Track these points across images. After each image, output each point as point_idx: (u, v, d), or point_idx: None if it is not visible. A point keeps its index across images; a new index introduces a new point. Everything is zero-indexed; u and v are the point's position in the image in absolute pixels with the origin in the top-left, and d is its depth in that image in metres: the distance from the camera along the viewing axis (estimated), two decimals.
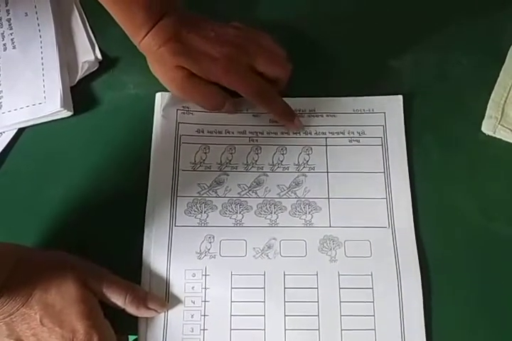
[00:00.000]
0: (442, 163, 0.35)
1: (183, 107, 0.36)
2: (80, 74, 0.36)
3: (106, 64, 0.36)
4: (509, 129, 0.35)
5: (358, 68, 0.38)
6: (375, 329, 0.31)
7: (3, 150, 0.34)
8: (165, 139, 0.35)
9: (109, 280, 0.29)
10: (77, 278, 0.28)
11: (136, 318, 0.30)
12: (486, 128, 0.36)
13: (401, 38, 0.39)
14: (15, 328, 0.27)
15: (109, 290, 0.29)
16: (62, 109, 0.34)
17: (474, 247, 0.33)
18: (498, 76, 0.37)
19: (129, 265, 0.31)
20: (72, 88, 0.35)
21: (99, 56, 0.36)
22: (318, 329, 0.31)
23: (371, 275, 0.32)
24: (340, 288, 0.31)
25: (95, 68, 0.36)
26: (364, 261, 0.32)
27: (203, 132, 0.35)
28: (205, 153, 0.35)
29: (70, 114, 0.35)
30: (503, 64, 0.37)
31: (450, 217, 0.33)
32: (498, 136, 0.35)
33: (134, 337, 0.31)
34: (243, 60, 0.34)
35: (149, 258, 0.32)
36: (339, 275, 0.32)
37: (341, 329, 0.31)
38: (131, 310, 0.29)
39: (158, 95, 0.36)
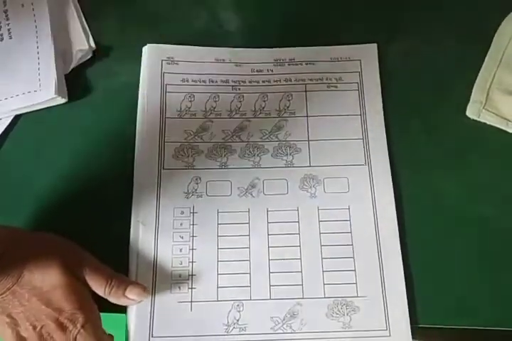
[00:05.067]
0: (426, 145, 0.36)
1: (168, 57, 0.37)
2: (74, 63, 0.37)
3: (99, 53, 0.38)
4: (493, 113, 0.36)
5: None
6: (353, 257, 0.33)
7: (0, 135, 0.35)
8: (151, 89, 0.36)
9: (91, 267, 0.30)
10: (61, 264, 0.29)
11: None
12: (471, 112, 0.37)
13: (389, 22, 0.39)
14: (6, 305, 0.28)
15: (91, 279, 0.30)
16: (56, 96, 0.35)
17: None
18: (483, 61, 0.38)
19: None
20: (66, 76, 0.37)
21: (93, 45, 0.38)
22: (300, 259, 0.33)
23: (348, 208, 0.34)
24: (319, 221, 0.34)
25: (89, 57, 0.37)
26: (342, 196, 0.34)
27: (187, 81, 0.37)
28: (190, 101, 0.37)
29: (64, 101, 0.36)
30: (488, 50, 0.38)
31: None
32: (483, 120, 0.36)
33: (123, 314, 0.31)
34: None
35: (139, 199, 0.34)
36: (318, 209, 0.34)
37: (322, 258, 0.33)
38: (112, 300, 0.30)
39: (144, 48, 0.37)
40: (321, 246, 0.33)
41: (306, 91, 0.37)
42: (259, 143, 0.36)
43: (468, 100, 0.37)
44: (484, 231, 0.34)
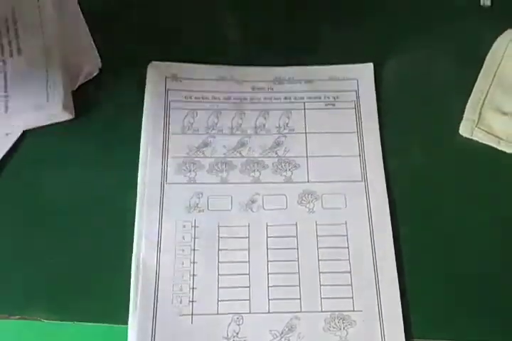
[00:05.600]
0: (421, 162, 0.37)
1: (171, 74, 0.38)
2: (81, 80, 0.38)
3: (105, 69, 0.39)
4: (485, 131, 0.37)
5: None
6: (350, 272, 0.34)
7: (9, 150, 0.36)
8: (155, 105, 0.37)
9: None
10: None
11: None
12: (464, 130, 0.38)
13: (386, 42, 0.41)
14: None
15: None
16: (63, 112, 0.36)
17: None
18: (476, 80, 0.39)
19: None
20: (73, 93, 0.37)
21: (99, 63, 0.39)
22: (298, 273, 0.34)
23: (345, 223, 0.35)
24: (317, 236, 0.34)
25: (95, 74, 0.38)
26: (339, 212, 0.35)
27: (190, 98, 0.38)
28: (193, 117, 0.38)
29: (71, 117, 0.37)
30: (480, 69, 0.39)
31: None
32: (475, 138, 0.37)
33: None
34: None
35: (142, 213, 0.34)
36: (316, 224, 0.35)
37: (319, 273, 0.34)
38: None
39: (149, 65, 0.39)
40: (319, 260, 0.34)
41: (304, 109, 0.38)
42: (259, 158, 0.37)
43: (462, 118, 0.38)
44: (482, 249, 0.34)
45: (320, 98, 0.39)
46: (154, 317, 0.32)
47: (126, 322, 0.32)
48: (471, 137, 0.38)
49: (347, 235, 0.34)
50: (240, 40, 0.41)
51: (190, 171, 0.36)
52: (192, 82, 0.38)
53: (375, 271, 0.34)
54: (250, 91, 0.39)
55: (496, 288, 0.33)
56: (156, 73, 0.38)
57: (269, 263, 0.34)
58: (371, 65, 0.39)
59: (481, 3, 0.42)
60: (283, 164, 0.37)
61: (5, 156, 0.36)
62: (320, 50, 0.40)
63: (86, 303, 0.32)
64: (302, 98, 0.39)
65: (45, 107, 0.36)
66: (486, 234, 0.35)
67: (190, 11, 0.42)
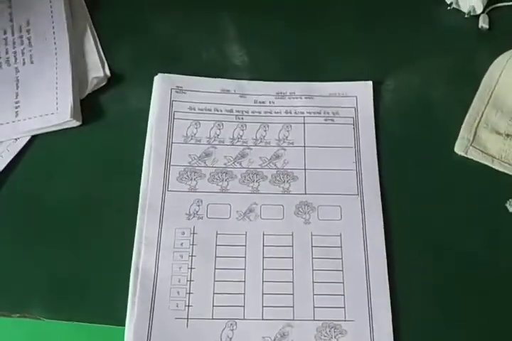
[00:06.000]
0: (416, 178, 0.38)
1: (177, 87, 0.40)
2: (90, 89, 0.39)
3: (113, 80, 0.40)
4: (480, 150, 0.38)
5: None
6: (343, 283, 0.34)
7: (17, 154, 0.37)
8: (160, 115, 0.39)
9: None
10: None
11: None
12: (459, 148, 0.39)
13: (384, 60, 0.42)
14: None
15: None
16: (71, 119, 0.38)
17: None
18: (472, 100, 0.40)
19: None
20: (81, 101, 0.39)
21: (108, 73, 0.40)
22: (292, 282, 0.34)
23: (340, 235, 0.36)
24: (312, 247, 0.35)
25: (103, 83, 0.40)
26: (334, 224, 0.36)
27: (194, 109, 0.39)
28: (196, 128, 0.39)
29: (78, 124, 0.38)
30: (477, 90, 0.41)
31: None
32: (470, 157, 0.38)
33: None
34: None
35: (143, 218, 0.35)
36: (312, 235, 0.36)
37: (313, 282, 0.34)
38: None
39: (156, 77, 0.40)
40: (313, 270, 0.35)
41: (304, 123, 0.40)
42: (259, 169, 0.38)
43: (457, 136, 0.39)
44: (472, 264, 0.35)
45: (319, 113, 0.40)
46: (151, 319, 0.33)
47: (123, 324, 0.32)
48: (465, 155, 0.39)
49: (341, 247, 0.35)
50: (243, 56, 0.42)
51: (191, 179, 0.37)
52: (196, 94, 0.40)
53: (368, 282, 0.34)
54: (252, 104, 0.40)
55: (490, 301, 0.34)
56: (162, 85, 0.40)
57: (265, 271, 0.35)
58: (370, 83, 0.41)
59: (480, 25, 0.44)
60: (281, 176, 0.38)
61: (14, 160, 0.37)
62: (321, 68, 0.42)
63: (85, 304, 0.33)
64: (302, 112, 0.40)
65: (54, 114, 0.38)
66: (479, 248, 0.36)
67: (195, 27, 0.43)
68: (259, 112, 0.40)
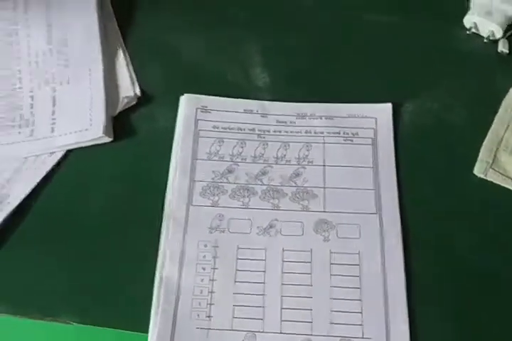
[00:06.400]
0: (435, 198, 0.39)
1: (202, 106, 0.42)
2: (121, 107, 0.41)
3: (143, 99, 0.42)
4: (499, 173, 0.39)
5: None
6: (361, 300, 0.35)
7: (53, 168, 0.39)
8: (185, 133, 0.41)
9: None
10: None
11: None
12: (478, 171, 0.39)
13: (404, 83, 0.44)
14: None
15: None
16: (103, 135, 0.40)
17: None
18: (491, 122, 0.41)
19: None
20: (113, 118, 0.41)
21: (138, 92, 0.42)
22: (311, 298, 0.35)
23: (359, 253, 0.36)
24: (330, 264, 0.36)
25: (134, 102, 0.42)
26: (353, 242, 0.37)
27: (218, 128, 0.41)
28: (220, 145, 0.41)
29: (110, 140, 0.40)
30: (496, 113, 0.42)
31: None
32: (489, 179, 0.39)
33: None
34: None
35: (167, 231, 0.37)
36: (331, 252, 0.37)
37: (331, 298, 0.35)
38: None
39: (182, 97, 0.42)
40: (331, 287, 0.35)
41: (324, 143, 0.41)
42: (279, 187, 0.39)
43: (476, 159, 0.40)
44: (493, 282, 0.36)
45: (339, 133, 0.41)
46: (173, 328, 0.34)
47: (147, 331, 0.34)
48: (485, 177, 0.39)
49: (360, 265, 0.36)
50: (266, 78, 0.44)
51: (214, 195, 0.39)
52: (220, 113, 0.42)
53: (385, 300, 0.35)
54: (274, 124, 0.42)
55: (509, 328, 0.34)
56: (188, 104, 0.42)
57: (283, 286, 0.35)
58: (390, 105, 0.42)
59: (499, 50, 0.45)
60: (301, 193, 0.39)
61: (49, 173, 0.39)
62: (342, 89, 0.43)
63: (112, 311, 0.34)
64: (322, 133, 0.41)
65: (87, 131, 0.40)
66: (498, 271, 0.36)
67: (220, 49, 0.45)
68: (280, 131, 0.41)
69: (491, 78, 0.44)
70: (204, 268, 0.36)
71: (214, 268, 0.36)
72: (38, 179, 0.39)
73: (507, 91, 0.43)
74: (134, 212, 0.38)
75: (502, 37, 0.45)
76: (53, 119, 0.41)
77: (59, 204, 0.38)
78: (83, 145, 0.40)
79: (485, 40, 0.45)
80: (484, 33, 0.45)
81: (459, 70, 0.44)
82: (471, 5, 0.45)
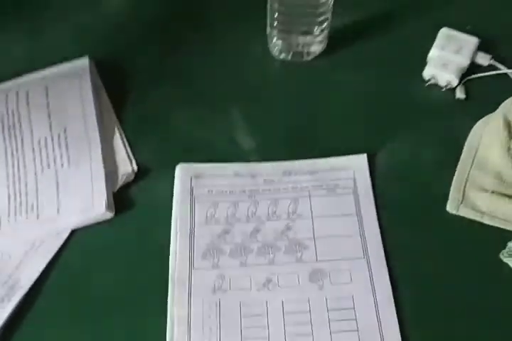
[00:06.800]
0: (414, 237, 0.42)
1: (196, 174, 0.45)
2: (120, 184, 0.45)
3: (140, 172, 0.46)
4: (469, 208, 0.43)
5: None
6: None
7: (60, 247, 0.42)
8: (182, 201, 0.44)
9: None
10: None
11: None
12: (450, 207, 0.43)
13: (376, 133, 0.48)
14: None
15: None
16: (106, 212, 0.43)
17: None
18: (457, 164, 0.45)
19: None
20: (113, 194, 0.44)
21: (135, 168, 0.46)
22: None
23: (352, 297, 0.39)
24: (328, 310, 0.39)
25: (132, 178, 0.45)
26: (346, 287, 0.40)
27: (212, 192, 0.45)
28: (215, 209, 0.44)
29: (112, 215, 0.43)
30: (461, 153, 0.46)
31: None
32: (461, 214, 0.43)
33: None
34: None
35: (174, 295, 0.40)
36: (326, 299, 0.39)
37: None
38: None
39: (177, 166, 0.46)
40: (331, 333, 0.38)
41: (310, 196, 0.44)
42: (273, 242, 0.42)
43: (447, 196, 0.44)
44: (480, 318, 0.39)
45: (322, 186, 0.45)
46: None
47: None
48: (457, 213, 0.43)
49: (354, 308, 0.39)
50: (252, 142, 0.48)
51: (213, 257, 0.42)
52: (213, 178, 0.45)
53: (382, 339, 0.37)
54: (262, 183, 0.45)
55: None
56: (182, 173, 0.46)
57: (287, 337, 0.38)
58: (365, 155, 0.46)
59: (457, 96, 0.49)
60: (293, 246, 0.42)
61: (57, 253, 0.42)
62: (321, 145, 0.47)
63: None
64: (307, 187, 0.45)
65: (90, 210, 0.43)
66: (482, 304, 0.39)
67: (208, 120, 0.49)
68: (269, 190, 0.45)
69: (452, 122, 0.48)
70: (211, 329, 0.38)
71: (220, 328, 0.38)
72: (46, 261, 0.41)
73: (468, 132, 0.47)
74: (140, 280, 0.41)
75: (458, 84, 0.49)
76: (58, 201, 0.43)
77: (67, 281, 0.41)
78: (87, 223, 0.43)
79: (443, 89, 0.49)
80: (442, 82, 0.49)
81: (423, 117, 0.49)
82: (428, 59, 0.50)
